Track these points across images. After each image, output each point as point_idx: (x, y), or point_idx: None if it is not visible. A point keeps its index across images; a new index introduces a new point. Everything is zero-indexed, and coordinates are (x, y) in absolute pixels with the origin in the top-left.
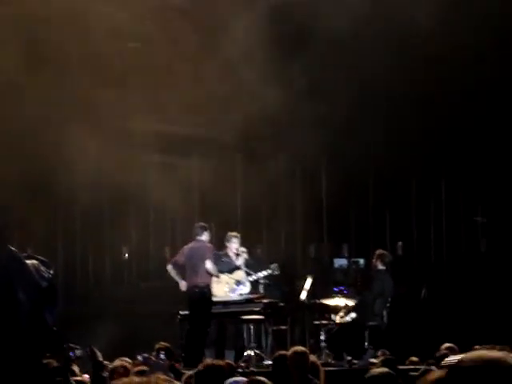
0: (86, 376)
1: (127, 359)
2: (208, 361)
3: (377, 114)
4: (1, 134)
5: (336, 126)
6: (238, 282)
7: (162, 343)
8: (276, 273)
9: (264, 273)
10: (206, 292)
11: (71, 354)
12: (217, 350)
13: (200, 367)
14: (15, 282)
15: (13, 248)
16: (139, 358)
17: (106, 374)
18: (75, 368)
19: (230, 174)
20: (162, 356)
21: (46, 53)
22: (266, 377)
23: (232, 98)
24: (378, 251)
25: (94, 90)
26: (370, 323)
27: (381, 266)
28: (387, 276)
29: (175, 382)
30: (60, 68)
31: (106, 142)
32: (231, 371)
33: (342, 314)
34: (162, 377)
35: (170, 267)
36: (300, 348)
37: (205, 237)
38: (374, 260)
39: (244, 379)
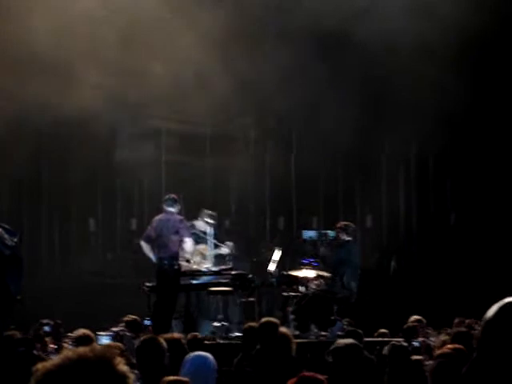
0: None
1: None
2: (171, 335)
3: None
4: None
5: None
6: (203, 255)
7: (130, 316)
8: (232, 252)
9: (223, 249)
10: (175, 264)
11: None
12: (184, 321)
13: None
14: None
15: None
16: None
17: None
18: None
19: (199, 146)
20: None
21: None
22: (234, 348)
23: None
24: (339, 223)
25: None
26: (339, 295)
27: (347, 238)
28: (350, 248)
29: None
30: None
31: None
32: (198, 343)
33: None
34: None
35: (142, 243)
36: (269, 319)
37: (175, 209)
38: (337, 232)
39: (208, 354)
